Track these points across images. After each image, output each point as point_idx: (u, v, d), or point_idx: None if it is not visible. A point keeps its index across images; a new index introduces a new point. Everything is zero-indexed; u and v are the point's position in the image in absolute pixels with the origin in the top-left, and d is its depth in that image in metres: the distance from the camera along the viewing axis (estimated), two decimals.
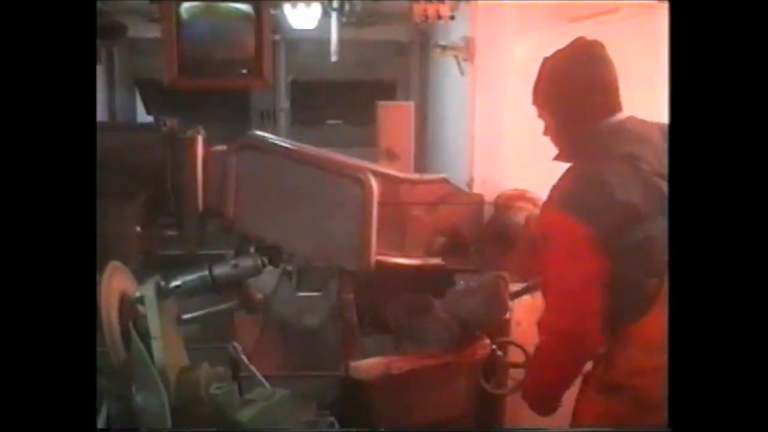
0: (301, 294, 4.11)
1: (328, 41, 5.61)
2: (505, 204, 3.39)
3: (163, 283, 2.55)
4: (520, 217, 3.29)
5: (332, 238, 3.10)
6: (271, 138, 3.40)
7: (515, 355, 3.04)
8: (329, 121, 7.42)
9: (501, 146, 3.48)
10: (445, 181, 3.41)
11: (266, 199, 3.13)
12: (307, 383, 3.15)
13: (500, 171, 3.48)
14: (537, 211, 2.97)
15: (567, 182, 2.41)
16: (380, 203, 3.07)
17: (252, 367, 2.38)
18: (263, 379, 2.37)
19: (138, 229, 3.10)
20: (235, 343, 2.42)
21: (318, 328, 3.78)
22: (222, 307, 2.99)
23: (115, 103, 6.71)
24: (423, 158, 5.12)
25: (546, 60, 2.50)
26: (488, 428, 3.33)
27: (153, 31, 4.10)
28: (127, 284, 2.51)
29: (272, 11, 4.43)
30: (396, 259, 3.18)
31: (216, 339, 2.98)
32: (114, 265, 2.47)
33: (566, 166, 2.46)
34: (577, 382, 2.51)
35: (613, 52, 2.44)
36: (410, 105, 4.60)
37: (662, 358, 2.01)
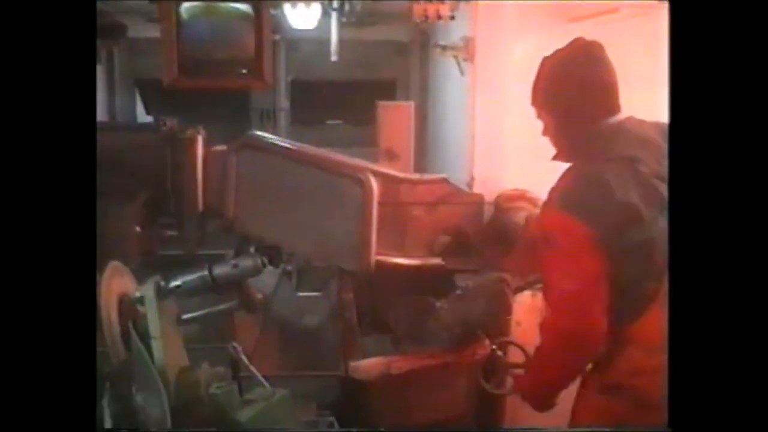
0: (301, 294, 4.12)
1: (328, 41, 5.61)
2: (505, 204, 3.39)
3: (163, 283, 2.55)
4: (520, 217, 3.28)
5: (332, 238, 3.10)
6: (271, 138, 3.40)
7: (515, 355, 3.04)
8: (329, 121, 7.43)
9: (501, 146, 3.48)
10: (445, 181, 3.41)
11: (266, 199, 3.13)
12: (307, 383, 3.14)
13: (500, 171, 3.48)
14: (537, 211, 2.97)
15: (566, 183, 2.41)
16: (380, 203, 3.08)
17: (252, 367, 2.38)
18: (263, 379, 2.37)
19: (138, 229, 3.10)
20: (235, 343, 2.42)
21: (318, 328, 3.78)
22: (222, 307, 2.99)
23: (115, 103, 6.71)
24: (423, 158, 5.12)
25: (545, 60, 2.50)
26: (488, 428, 3.32)
27: (153, 31, 4.10)
28: (127, 284, 2.51)
29: (272, 11, 4.43)
30: (396, 259, 3.19)
31: (216, 339, 2.98)
32: (114, 265, 2.47)
33: (565, 166, 2.47)
34: (576, 382, 2.51)
35: (613, 52, 2.44)
36: (410, 105, 4.61)
37: (661, 359, 2.01)
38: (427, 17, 3.57)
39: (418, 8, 3.57)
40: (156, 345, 2.32)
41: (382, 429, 3.01)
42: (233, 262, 2.93)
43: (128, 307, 2.42)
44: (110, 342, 2.35)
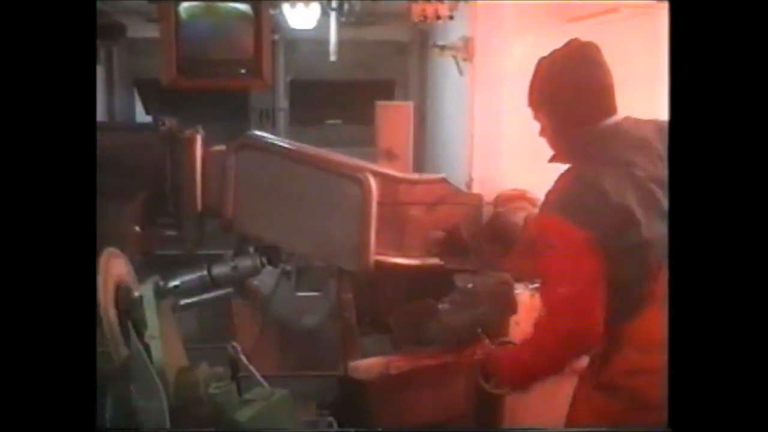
0: (300, 294, 4.12)
1: (327, 41, 5.60)
2: (504, 204, 3.39)
3: (161, 283, 2.55)
4: (519, 218, 3.28)
5: (331, 237, 3.10)
6: (270, 138, 3.41)
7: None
8: (328, 121, 7.42)
9: (500, 146, 3.48)
10: (444, 180, 3.41)
11: (265, 199, 3.13)
12: (306, 383, 3.15)
13: (499, 171, 3.48)
14: (536, 211, 2.97)
15: (563, 186, 2.41)
16: (379, 203, 3.08)
17: (251, 367, 2.38)
18: (262, 379, 2.36)
19: (137, 228, 3.10)
20: (234, 343, 2.42)
21: (317, 328, 3.78)
22: (218, 293, 2.97)
23: (114, 103, 6.69)
24: (422, 158, 5.12)
25: (540, 61, 2.50)
26: (488, 428, 3.33)
27: (152, 31, 4.09)
28: (123, 271, 2.49)
29: (271, 11, 4.43)
30: (395, 259, 3.19)
31: (215, 339, 2.98)
32: (110, 251, 2.44)
33: (564, 167, 2.47)
34: (574, 381, 2.52)
35: (612, 52, 2.44)
36: (409, 105, 4.60)
37: (658, 359, 2.02)
38: (426, 17, 3.57)
39: (417, 8, 3.57)
40: (155, 345, 2.32)
41: (381, 429, 3.02)
42: (232, 262, 2.92)
43: (125, 294, 2.40)
44: (109, 335, 2.34)
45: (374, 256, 3.06)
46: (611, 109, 2.43)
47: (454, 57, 3.67)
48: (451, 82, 4.08)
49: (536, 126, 2.55)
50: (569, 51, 2.45)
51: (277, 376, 2.67)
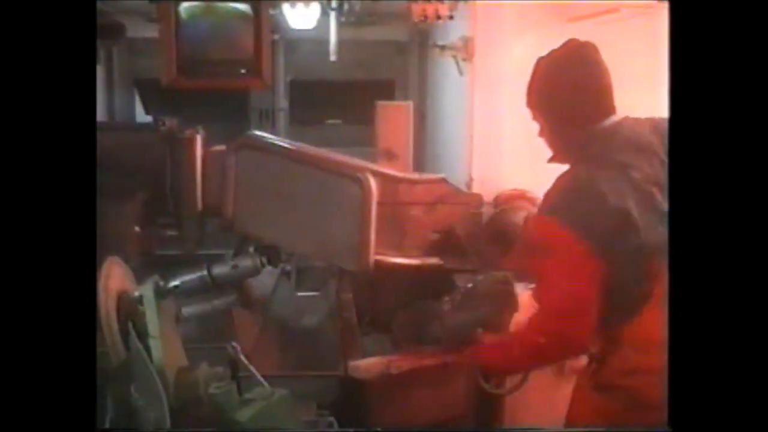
0: (300, 294, 4.11)
1: (326, 41, 5.61)
2: (504, 204, 3.38)
3: (162, 283, 2.55)
4: (519, 217, 3.28)
5: (331, 237, 3.10)
6: (270, 138, 3.40)
7: None
8: (328, 121, 7.42)
9: (500, 146, 3.48)
10: (443, 180, 3.40)
11: (265, 199, 3.13)
12: (307, 383, 3.15)
13: (499, 171, 3.48)
14: (536, 210, 2.97)
15: (560, 188, 2.42)
16: (379, 203, 3.07)
17: (251, 367, 2.38)
18: (262, 379, 2.36)
19: (137, 228, 3.10)
20: (234, 343, 2.42)
21: (317, 327, 3.78)
22: (220, 301, 2.98)
23: (114, 103, 6.70)
24: (422, 158, 5.12)
25: (539, 61, 2.50)
26: (488, 428, 3.33)
27: (152, 31, 4.09)
28: (125, 280, 2.51)
29: (271, 11, 4.43)
30: (395, 259, 3.18)
31: (215, 339, 2.98)
32: (112, 260, 2.46)
33: (562, 167, 2.47)
34: (574, 381, 2.52)
35: (612, 52, 2.44)
36: (409, 105, 4.59)
37: (656, 359, 2.03)
38: (426, 17, 3.57)
39: (417, 8, 3.57)
40: (155, 345, 2.32)
41: (381, 429, 3.01)
42: (232, 262, 2.93)
43: (127, 303, 2.42)
44: (110, 341, 2.34)
45: (374, 256, 3.06)
46: (610, 110, 2.43)
47: (454, 57, 3.67)
48: (451, 82, 4.08)
49: (536, 126, 2.56)
50: (567, 51, 2.45)
51: (277, 376, 2.67)
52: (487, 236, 3.33)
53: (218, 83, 3.69)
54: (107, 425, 2.27)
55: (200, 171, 3.13)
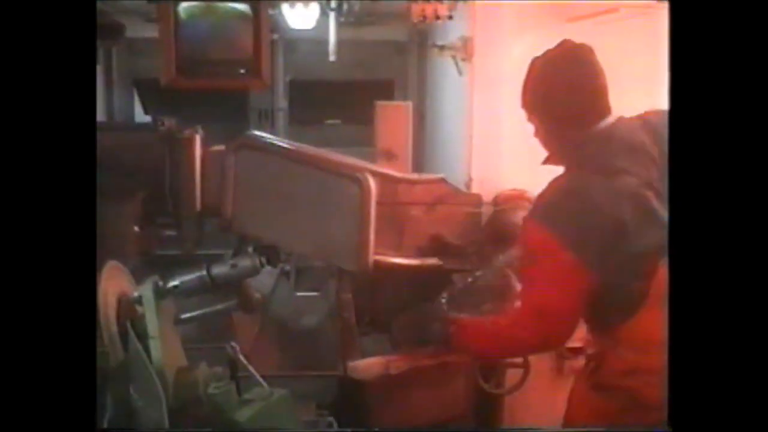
0: (300, 294, 4.12)
1: (326, 41, 5.61)
2: (503, 204, 3.38)
3: (161, 283, 2.55)
4: (518, 217, 3.27)
5: (330, 237, 3.09)
6: (269, 138, 3.39)
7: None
8: (327, 121, 7.42)
9: (499, 146, 3.48)
10: (443, 181, 3.40)
11: (264, 199, 3.12)
12: (306, 383, 3.14)
13: (498, 171, 3.48)
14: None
15: (551, 195, 2.43)
16: (378, 203, 3.07)
17: (250, 367, 2.38)
18: (261, 379, 2.36)
19: (136, 228, 3.10)
20: (234, 343, 2.42)
21: (316, 328, 3.78)
22: (220, 306, 2.98)
23: (113, 102, 6.70)
24: (421, 158, 5.12)
25: (534, 61, 2.50)
26: (487, 428, 3.33)
27: (151, 31, 4.09)
28: (126, 284, 2.51)
29: (270, 11, 4.43)
30: (394, 259, 3.18)
31: (214, 339, 2.97)
32: (112, 264, 2.47)
33: (559, 169, 2.47)
34: (570, 379, 2.54)
35: (612, 52, 2.43)
36: (408, 105, 4.59)
37: (654, 359, 2.04)
38: (425, 17, 3.57)
39: (416, 8, 3.56)
40: (154, 345, 2.32)
41: (380, 429, 3.01)
42: (231, 262, 2.92)
43: (126, 307, 2.42)
44: (108, 342, 2.34)
45: (373, 256, 3.06)
46: (604, 111, 2.42)
47: (453, 57, 3.67)
48: (450, 82, 4.08)
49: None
50: (562, 52, 2.45)
51: (277, 376, 2.67)
52: (486, 236, 3.33)
53: (217, 83, 3.69)
54: (106, 425, 2.27)
55: (199, 171, 3.12)
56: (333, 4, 5.48)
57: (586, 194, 2.32)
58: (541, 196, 2.46)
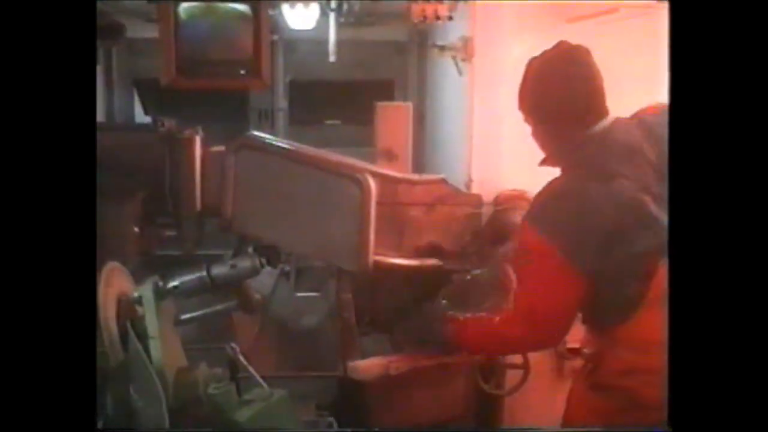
0: (300, 294, 4.12)
1: (326, 41, 5.60)
2: (503, 204, 3.38)
3: (161, 284, 2.55)
4: (518, 217, 3.27)
5: (330, 238, 3.09)
6: (269, 138, 3.39)
7: (514, 356, 3.04)
8: (327, 121, 7.41)
9: (499, 146, 3.48)
10: (443, 181, 3.40)
11: (264, 199, 3.12)
12: (306, 383, 3.14)
13: (499, 171, 3.48)
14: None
15: (546, 198, 2.43)
16: (378, 203, 3.07)
17: (250, 368, 2.38)
18: (261, 380, 2.36)
19: (136, 229, 3.10)
20: (234, 344, 2.41)
21: (316, 328, 3.78)
22: (220, 307, 2.98)
23: (114, 103, 6.69)
24: (421, 158, 5.12)
25: (530, 62, 2.50)
26: (488, 428, 3.33)
27: (151, 32, 4.08)
28: (126, 285, 2.51)
29: (270, 12, 4.43)
30: (394, 260, 3.18)
31: (214, 339, 2.97)
32: (112, 265, 2.47)
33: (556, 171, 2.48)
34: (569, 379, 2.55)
35: (612, 52, 2.43)
36: (408, 105, 4.59)
37: (652, 359, 2.04)
38: (425, 17, 3.56)
39: (416, 8, 3.56)
40: (154, 345, 2.32)
41: (380, 429, 3.01)
42: (231, 262, 2.92)
43: (126, 307, 2.42)
44: (108, 342, 2.34)
45: (373, 257, 3.06)
46: (601, 114, 2.42)
47: (454, 57, 3.66)
48: (451, 83, 4.08)
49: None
50: (558, 53, 2.45)
51: (277, 377, 2.67)
52: (486, 236, 3.33)
53: (218, 83, 3.68)
54: (106, 425, 2.27)
55: (199, 171, 3.12)
56: (333, 5, 5.47)
57: (581, 199, 2.33)
58: (536, 198, 2.47)
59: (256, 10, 3.49)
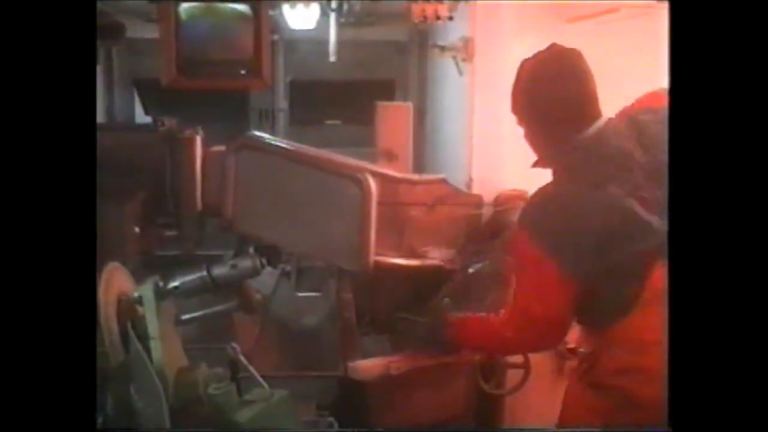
0: (300, 294, 4.11)
1: (326, 41, 5.60)
2: (504, 204, 3.38)
3: (161, 284, 2.55)
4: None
5: (331, 238, 3.09)
6: (269, 138, 3.40)
7: (514, 356, 3.04)
8: (328, 122, 7.40)
9: (500, 146, 3.48)
10: (443, 181, 3.40)
11: (265, 199, 3.12)
12: (306, 384, 3.14)
13: (499, 171, 3.48)
14: None
15: (537, 202, 2.44)
16: (379, 203, 3.07)
17: (251, 368, 2.38)
18: (262, 380, 2.36)
19: (136, 229, 3.09)
20: (234, 344, 2.42)
21: (317, 328, 3.78)
22: (220, 308, 2.98)
23: (114, 103, 6.69)
24: (422, 158, 5.11)
25: (522, 64, 2.50)
26: (488, 428, 3.33)
27: (152, 32, 4.08)
28: (126, 285, 2.51)
29: (271, 12, 4.43)
30: (395, 260, 3.18)
31: (215, 339, 2.97)
32: (113, 265, 2.47)
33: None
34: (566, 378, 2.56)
35: (613, 52, 2.43)
36: (409, 105, 4.58)
37: (648, 358, 2.05)
38: (425, 18, 3.56)
39: (416, 9, 3.56)
40: (154, 345, 2.32)
41: (381, 429, 3.01)
42: (232, 262, 2.92)
43: (127, 308, 2.42)
44: (108, 343, 2.34)
45: (374, 257, 3.06)
46: (593, 117, 2.42)
47: (454, 57, 3.66)
48: (451, 83, 4.08)
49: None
50: (549, 56, 2.44)
51: (277, 377, 2.67)
52: (486, 236, 3.33)
53: (218, 83, 3.68)
54: (106, 425, 2.27)
55: (200, 171, 3.12)
56: (333, 5, 5.47)
57: (571, 204, 2.34)
58: (527, 203, 2.48)
59: (256, 10, 3.49)
